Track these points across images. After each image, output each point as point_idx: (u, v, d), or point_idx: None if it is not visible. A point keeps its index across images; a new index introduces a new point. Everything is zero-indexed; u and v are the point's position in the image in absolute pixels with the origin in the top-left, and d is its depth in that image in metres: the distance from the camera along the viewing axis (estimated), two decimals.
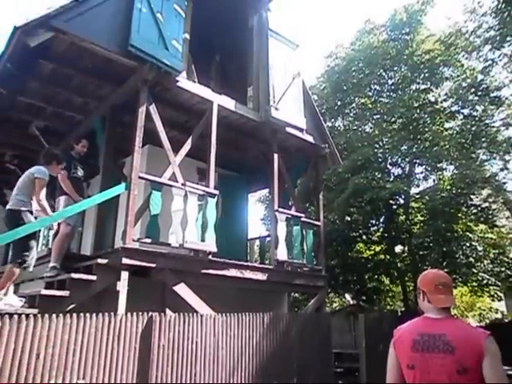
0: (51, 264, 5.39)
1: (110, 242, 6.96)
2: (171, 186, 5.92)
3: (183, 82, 6.44)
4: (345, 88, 15.19)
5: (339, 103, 15.41)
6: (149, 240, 5.59)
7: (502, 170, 14.93)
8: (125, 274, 5.21)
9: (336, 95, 15.24)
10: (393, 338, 2.41)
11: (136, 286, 5.26)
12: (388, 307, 17.19)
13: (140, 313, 4.68)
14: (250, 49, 8.16)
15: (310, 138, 8.30)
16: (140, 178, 5.68)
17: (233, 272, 6.32)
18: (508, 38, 11.83)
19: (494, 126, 14.63)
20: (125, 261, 5.17)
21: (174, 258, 5.77)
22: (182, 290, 5.73)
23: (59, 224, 5.60)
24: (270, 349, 6.03)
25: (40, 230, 5.31)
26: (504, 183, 14.13)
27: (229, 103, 7.12)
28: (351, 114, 16.05)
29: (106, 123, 6.60)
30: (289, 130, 7.82)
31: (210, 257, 6.09)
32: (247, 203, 9.89)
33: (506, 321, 15.64)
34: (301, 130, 8.06)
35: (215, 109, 6.77)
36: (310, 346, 6.68)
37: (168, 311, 5.67)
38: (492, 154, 14.41)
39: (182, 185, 5.95)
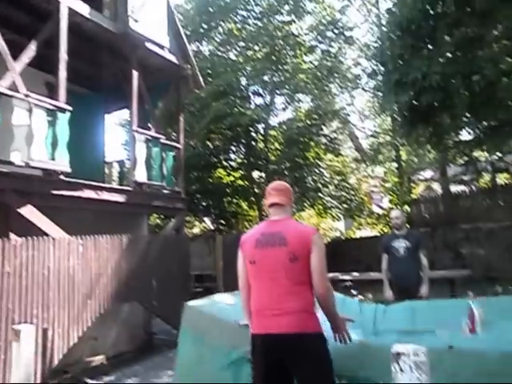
0: None
1: None
2: (10, 96, 5.18)
3: None
4: (211, 10, 14.68)
5: (205, 26, 14.91)
6: None
7: (349, 104, 16.56)
8: None
9: (202, 17, 14.67)
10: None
11: None
12: (245, 230, 18.47)
13: None
14: None
15: (172, 58, 7.96)
16: None
17: (88, 193, 6.01)
18: None
19: (346, 64, 15.91)
20: None
21: (18, 177, 5.23)
22: (29, 212, 5.28)
23: None
24: (130, 270, 6.08)
25: None
26: (348, 115, 15.75)
27: (81, 7, 6.33)
28: (217, 39, 15.73)
29: None
30: (149, 46, 7.37)
31: (61, 177, 5.65)
32: (104, 123, 9.25)
33: (343, 238, 18.15)
34: (162, 47, 7.67)
35: (64, 12, 5.97)
36: (169, 267, 6.89)
37: (13, 236, 5.20)
38: (342, 89, 15.78)
39: (26, 96, 5.26)
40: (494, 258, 11.15)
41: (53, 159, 5.53)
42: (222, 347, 3.28)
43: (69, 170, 5.69)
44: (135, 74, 7.19)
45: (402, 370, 1.51)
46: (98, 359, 5.97)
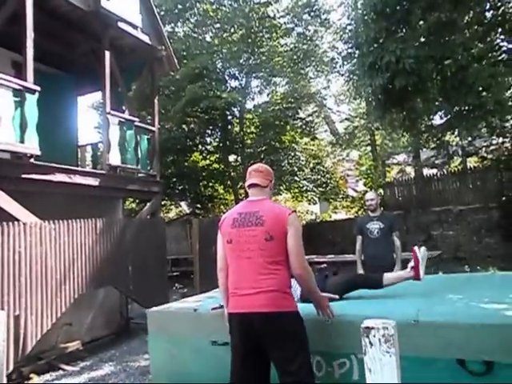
0: None
1: None
2: None
3: None
4: None
5: (180, 7, 14.58)
6: None
7: (325, 88, 16.59)
8: None
9: None
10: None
11: None
12: (222, 214, 18.45)
13: None
14: None
15: (145, 38, 7.77)
16: None
17: (60, 177, 5.85)
18: None
19: (322, 47, 15.89)
20: None
21: None
22: None
23: None
24: (105, 255, 6.00)
25: None
26: (324, 99, 15.81)
27: None
28: (192, 21, 15.42)
29: None
30: (122, 25, 7.16)
31: (31, 160, 5.48)
32: (76, 106, 9.00)
33: (318, 221, 18.38)
34: (135, 27, 7.47)
35: None
36: (145, 251, 6.84)
37: None
38: (318, 72, 15.78)
39: None
40: (463, 240, 11.54)
41: (22, 142, 5.34)
42: (186, 337, 3.37)
43: (39, 152, 5.52)
44: (107, 54, 7.00)
45: (371, 343, 1.55)
46: (74, 345, 5.93)
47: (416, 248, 3.21)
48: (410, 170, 18.28)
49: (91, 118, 17.92)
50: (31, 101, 5.50)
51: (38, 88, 5.62)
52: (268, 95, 15.45)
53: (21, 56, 5.85)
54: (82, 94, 9.54)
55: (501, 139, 12.77)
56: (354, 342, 2.29)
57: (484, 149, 13.49)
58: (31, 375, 4.99)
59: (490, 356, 2.23)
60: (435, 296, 3.12)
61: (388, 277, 3.24)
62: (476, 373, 2.26)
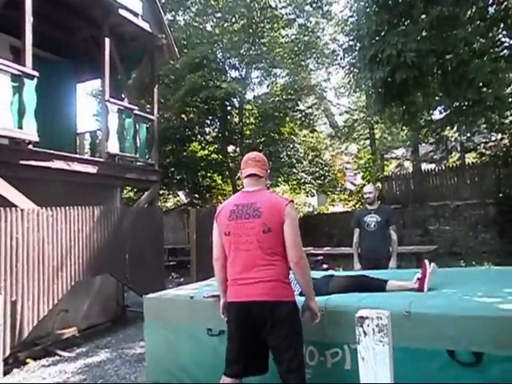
0: None
1: None
2: None
3: None
4: None
5: None
6: None
7: (325, 80, 16.53)
8: None
9: None
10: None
11: None
12: (219, 204, 18.45)
13: None
14: None
15: (145, 26, 7.71)
16: None
17: (58, 164, 5.85)
18: None
19: (323, 39, 15.79)
20: None
21: None
22: None
23: None
24: (102, 242, 6.02)
25: None
26: (324, 91, 15.76)
27: None
28: (193, 9, 15.30)
29: None
30: (123, 12, 7.11)
31: (30, 146, 5.47)
32: (75, 93, 8.95)
33: (316, 213, 18.43)
34: (136, 14, 7.42)
35: None
36: (142, 240, 6.86)
37: None
38: (319, 65, 15.71)
39: None
40: (459, 235, 11.59)
41: (20, 128, 5.33)
42: (182, 324, 3.40)
43: (37, 139, 5.51)
44: (107, 41, 6.96)
45: (365, 332, 1.58)
46: (70, 331, 5.96)
47: (427, 261, 3.20)
48: (408, 164, 18.31)
49: (90, 106, 17.81)
50: (30, 86, 5.47)
51: (37, 74, 5.59)
52: (268, 86, 15.40)
53: (19, 41, 5.81)
54: (81, 81, 9.49)
55: (499, 135, 12.79)
56: (347, 332, 2.32)
57: (482, 145, 13.51)
58: (27, 360, 5.03)
59: (480, 347, 2.27)
60: (430, 289, 3.16)
61: (393, 284, 3.21)
62: (465, 363, 2.30)
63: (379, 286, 3.20)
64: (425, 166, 15.24)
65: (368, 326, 1.59)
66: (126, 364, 4.79)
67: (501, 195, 11.06)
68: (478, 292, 2.83)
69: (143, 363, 4.31)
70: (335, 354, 2.72)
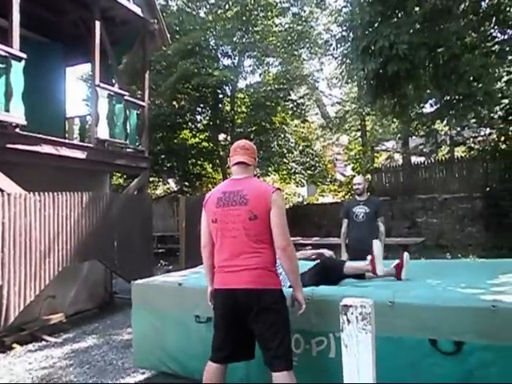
0: None
1: None
2: None
3: None
4: None
5: None
6: None
7: (317, 71, 16.48)
8: None
9: None
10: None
11: None
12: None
13: None
14: None
15: (137, 10, 7.60)
16: None
17: (46, 149, 5.78)
18: None
19: (316, 29, 15.71)
20: None
21: None
22: None
23: None
24: (90, 229, 5.99)
25: None
26: (316, 81, 15.72)
27: None
28: None
29: None
30: None
31: (17, 130, 5.39)
32: (65, 77, 8.80)
33: (305, 203, 18.50)
34: None
35: None
36: (131, 226, 6.84)
37: None
38: (312, 55, 15.65)
39: None
40: (446, 228, 11.75)
41: (7, 110, 5.24)
42: (170, 311, 3.42)
43: (24, 122, 5.42)
44: (98, 24, 6.84)
45: (349, 320, 1.61)
46: (57, 317, 5.95)
47: (406, 253, 3.42)
48: (398, 156, 18.41)
49: (80, 91, 17.58)
50: (17, 68, 5.38)
51: (25, 55, 5.49)
52: (260, 75, 15.31)
53: (6, 21, 5.69)
54: (70, 65, 9.33)
55: (488, 130, 12.90)
56: (332, 321, 2.36)
57: (471, 139, 13.63)
58: (13, 345, 5.02)
59: (461, 337, 2.33)
60: (414, 280, 3.21)
61: (349, 265, 3.46)
62: (446, 352, 2.36)
63: (338, 266, 3.42)
64: (414, 159, 15.35)
65: (352, 314, 1.61)
66: (113, 350, 4.81)
67: (488, 189, 11.20)
68: (461, 283, 2.89)
69: (130, 349, 4.32)
70: (320, 342, 2.76)
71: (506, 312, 2.25)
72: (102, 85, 6.80)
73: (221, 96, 14.34)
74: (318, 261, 3.63)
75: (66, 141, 6.66)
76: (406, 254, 3.39)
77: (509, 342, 2.21)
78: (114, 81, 7.87)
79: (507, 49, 7.19)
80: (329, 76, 18.57)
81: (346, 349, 1.66)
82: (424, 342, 2.41)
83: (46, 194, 5.32)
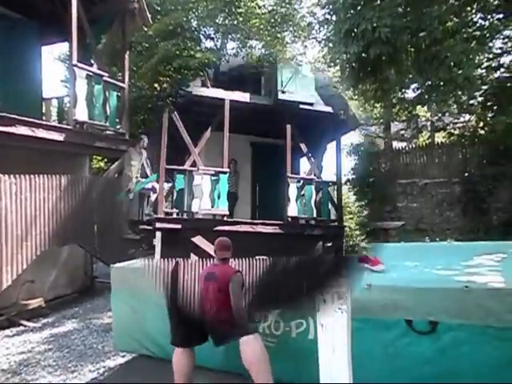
0: None
1: None
2: None
3: None
4: None
5: None
6: None
7: (301, 54, 16.33)
8: None
9: None
10: None
11: None
12: None
13: None
14: None
15: None
16: None
17: (22, 130, 5.60)
18: None
19: (300, 12, 15.52)
20: None
21: None
22: None
23: None
24: (69, 212, 5.90)
25: None
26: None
27: None
28: None
29: None
30: None
31: None
32: (41, 56, 8.52)
33: None
34: None
35: None
36: (111, 210, 6.75)
37: None
38: (295, 38, 15.48)
39: None
40: (426, 212, 11.95)
41: None
42: (149, 294, 3.42)
43: None
44: (74, 0, 6.61)
45: (325, 300, 1.62)
46: (36, 302, 5.88)
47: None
48: (380, 141, 18.52)
49: (58, 71, 17.10)
50: None
51: None
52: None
53: None
54: (46, 44, 9.05)
55: (467, 116, 13.05)
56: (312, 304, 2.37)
57: (452, 125, 13.78)
58: None
59: (435, 317, 2.38)
60: (393, 263, 3.26)
61: None
62: (421, 332, 2.41)
63: None
64: (396, 144, 15.47)
65: (328, 293, 1.63)
66: (93, 334, 4.80)
67: (466, 175, 11.39)
68: (437, 265, 2.94)
69: (111, 333, 4.32)
70: (300, 324, 2.80)
71: (479, 292, 2.30)
72: (79, 64, 6.60)
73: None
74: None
75: (43, 122, 6.48)
76: None
77: (481, 322, 2.26)
78: (92, 61, 7.66)
79: (487, 35, 7.23)
80: (312, 60, 18.44)
81: (321, 328, 1.68)
82: (400, 323, 2.46)
83: (23, 176, 5.20)
